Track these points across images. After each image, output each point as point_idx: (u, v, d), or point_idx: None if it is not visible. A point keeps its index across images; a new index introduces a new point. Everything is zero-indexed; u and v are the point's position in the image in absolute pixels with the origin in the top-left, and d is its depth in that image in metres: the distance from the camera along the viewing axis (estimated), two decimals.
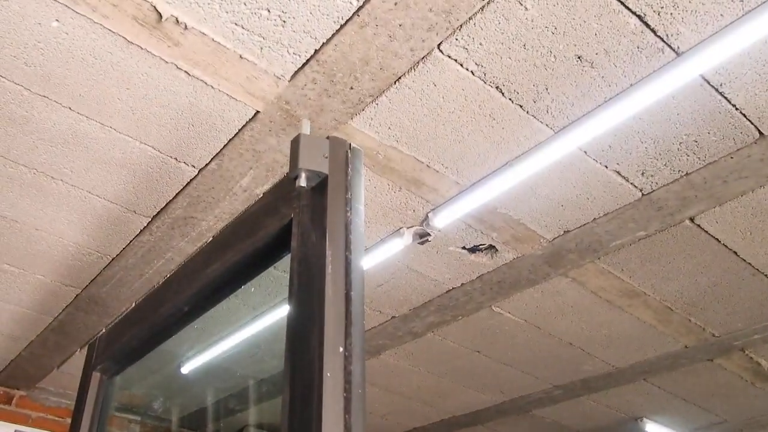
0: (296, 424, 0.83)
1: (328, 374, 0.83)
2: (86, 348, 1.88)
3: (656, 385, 4.31)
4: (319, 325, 0.88)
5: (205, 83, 2.18)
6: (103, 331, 1.84)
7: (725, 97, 2.18)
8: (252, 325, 3.61)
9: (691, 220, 2.75)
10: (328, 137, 1.12)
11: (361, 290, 0.95)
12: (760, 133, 2.31)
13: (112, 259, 3.13)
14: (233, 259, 1.25)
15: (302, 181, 1.07)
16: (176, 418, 5.14)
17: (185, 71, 2.14)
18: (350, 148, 1.13)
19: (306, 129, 1.14)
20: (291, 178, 1.12)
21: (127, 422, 5.07)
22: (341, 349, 0.86)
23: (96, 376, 1.71)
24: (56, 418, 4.67)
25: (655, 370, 4.07)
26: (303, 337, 0.91)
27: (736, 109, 2.23)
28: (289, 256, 1.10)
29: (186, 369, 4.24)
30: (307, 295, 0.96)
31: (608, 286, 3.21)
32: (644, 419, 4.79)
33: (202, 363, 4.13)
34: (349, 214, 1.03)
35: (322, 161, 1.09)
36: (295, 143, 1.10)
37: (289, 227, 1.11)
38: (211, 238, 1.42)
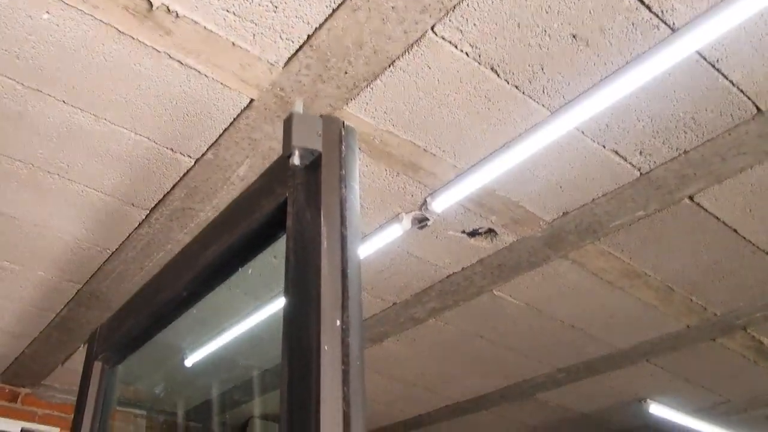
0: (295, 397, 0.83)
1: (326, 347, 0.83)
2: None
3: (659, 366, 4.32)
4: (316, 300, 0.88)
5: (199, 72, 2.17)
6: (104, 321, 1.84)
7: (722, 73, 2.17)
8: (255, 315, 3.61)
9: (690, 198, 2.75)
10: (321, 115, 1.11)
11: (358, 265, 0.95)
12: (758, 108, 2.30)
13: (112, 253, 3.13)
14: (230, 242, 1.25)
15: (296, 160, 1.06)
16: (182, 412, 5.16)
17: (178, 60, 2.13)
18: (344, 126, 1.13)
19: (299, 108, 1.13)
20: (285, 158, 1.11)
21: (133, 417, 5.08)
22: (338, 323, 0.86)
23: (98, 365, 1.71)
24: (62, 415, 4.69)
25: (658, 350, 4.08)
26: (300, 312, 0.91)
27: (733, 84, 2.22)
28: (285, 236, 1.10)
29: (191, 362, 4.25)
30: (303, 271, 0.95)
31: (609, 268, 3.21)
32: (648, 400, 4.79)
33: (207, 356, 4.14)
34: (343, 190, 1.03)
35: (316, 139, 1.08)
36: (288, 122, 1.10)
37: (284, 206, 1.10)
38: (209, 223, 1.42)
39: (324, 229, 0.97)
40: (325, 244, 0.95)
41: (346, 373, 0.81)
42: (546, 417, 5.21)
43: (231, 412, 5.23)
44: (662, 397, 4.82)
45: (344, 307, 0.87)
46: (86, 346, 1.84)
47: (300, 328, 0.89)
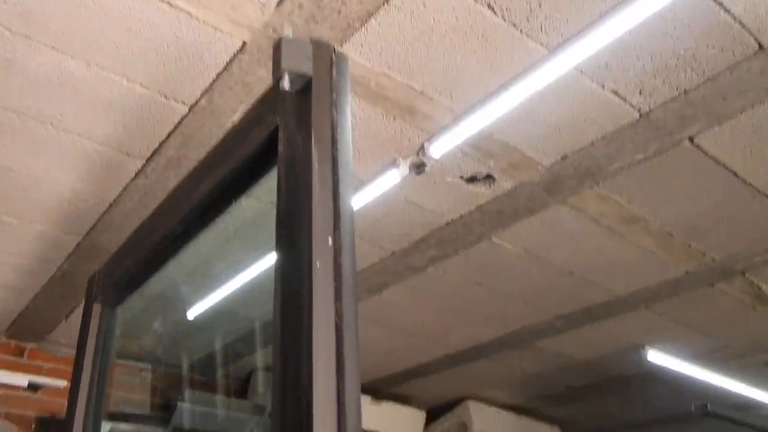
0: (288, 314, 0.83)
1: (318, 265, 0.83)
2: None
3: (657, 313, 4.34)
4: (308, 220, 0.87)
5: (189, 14, 2.12)
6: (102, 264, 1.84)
7: (723, 7, 2.12)
8: (257, 266, 3.62)
9: (690, 140, 2.72)
10: (310, 39, 1.08)
11: (350, 186, 0.93)
12: (760, 45, 2.26)
13: (110, 205, 3.12)
14: (222, 175, 1.24)
15: (286, 84, 1.04)
16: (186, 365, 5.23)
17: (167, 2, 2.08)
18: (335, 52, 1.10)
19: (288, 33, 1.11)
20: (275, 87, 1.09)
21: (138, 371, 5.16)
22: (330, 242, 0.85)
23: (97, 307, 1.72)
24: (68, 368, 4.72)
25: (657, 297, 4.09)
26: (292, 233, 0.90)
27: (735, 19, 2.17)
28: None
29: (194, 316, 4.28)
30: (294, 194, 0.94)
31: (607, 212, 3.20)
32: (646, 347, 4.83)
33: (210, 309, 4.17)
34: (335, 114, 1.01)
35: (306, 63, 1.06)
36: (277, 47, 1.08)
37: (275, 134, 1.08)
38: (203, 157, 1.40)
39: (315, 152, 0.95)
40: (316, 165, 0.94)
41: (338, 291, 0.81)
42: (545, 364, 5.26)
43: (234, 364, 5.31)
44: (660, 344, 4.85)
45: (336, 226, 0.87)
46: (86, 289, 1.84)
47: (292, 249, 0.89)
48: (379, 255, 3.60)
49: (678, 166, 2.88)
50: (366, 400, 5.46)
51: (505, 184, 3.00)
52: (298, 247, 0.87)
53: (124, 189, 3.00)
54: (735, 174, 2.94)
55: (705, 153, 2.79)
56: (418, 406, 5.87)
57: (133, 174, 2.89)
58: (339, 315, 0.78)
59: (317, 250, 0.83)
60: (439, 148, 2.68)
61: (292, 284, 0.85)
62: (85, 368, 1.68)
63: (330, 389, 0.73)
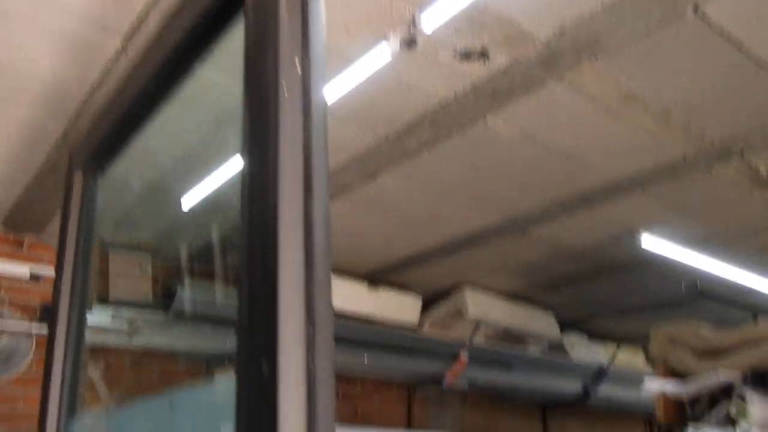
0: (256, 135, 0.79)
1: (285, 90, 0.78)
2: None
3: (653, 197, 4.32)
4: (274, 45, 0.81)
5: None
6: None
7: None
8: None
9: (695, 8, 2.59)
10: None
11: (321, 31, 0.85)
12: None
13: (93, 88, 3.03)
14: (190, 23, 1.16)
15: None
16: (185, 256, 5.29)
17: None
18: None
19: None
20: None
21: (138, 262, 5.23)
22: (298, 66, 0.80)
23: (78, 176, 1.69)
24: None
25: (653, 180, 4.05)
26: (259, 61, 0.85)
27: None
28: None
29: (191, 207, 4.27)
30: (262, 21, 0.88)
31: (606, 90, 3.11)
32: (641, 232, 4.85)
33: (207, 200, 4.15)
34: None
35: None
36: None
37: None
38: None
39: None
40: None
41: (306, 113, 0.77)
42: (541, 251, 5.32)
43: (233, 255, 5.36)
44: (655, 229, 4.86)
45: (304, 50, 0.81)
46: (66, 161, 1.81)
47: (259, 76, 0.83)
48: (373, 139, 3.54)
49: (680, 39, 2.77)
50: (363, 287, 5.57)
51: (499, 60, 2.89)
52: (265, 74, 0.81)
53: (107, 71, 2.89)
54: (739, 46, 2.83)
55: (709, 22, 2.67)
56: (415, 293, 5.99)
57: (114, 53, 2.78)
58: (307, 134, 0.74)
59: (284, 73, 0.78)
60: (431, 21, 2.56)
61: (260, 109, 0.80)
62: (69, 236, 1.68)
63: (296, 206, 0.70)
